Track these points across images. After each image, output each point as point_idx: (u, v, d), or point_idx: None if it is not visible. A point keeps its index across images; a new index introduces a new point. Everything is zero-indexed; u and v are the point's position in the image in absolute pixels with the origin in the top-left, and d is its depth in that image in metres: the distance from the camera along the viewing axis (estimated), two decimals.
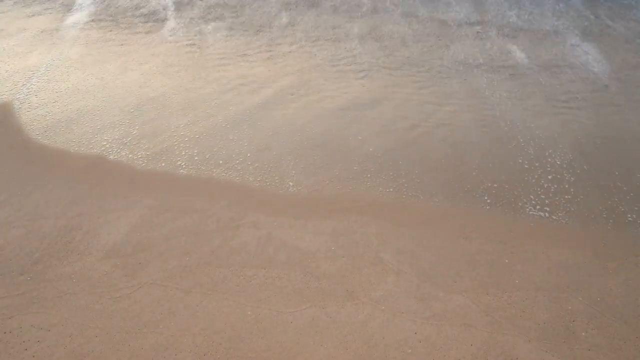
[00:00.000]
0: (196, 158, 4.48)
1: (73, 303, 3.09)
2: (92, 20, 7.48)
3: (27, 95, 5.54)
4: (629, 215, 3.72)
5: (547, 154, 4.40)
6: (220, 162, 4.42)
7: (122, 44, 6.75)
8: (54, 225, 3.71)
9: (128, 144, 4.69)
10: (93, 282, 3.24)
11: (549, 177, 4.13)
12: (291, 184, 4.12)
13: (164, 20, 7.51)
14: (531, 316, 2.95)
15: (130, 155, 4.53)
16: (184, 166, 4.38)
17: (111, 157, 4.51)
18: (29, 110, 5.25)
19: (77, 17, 7.52)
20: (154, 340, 2.85)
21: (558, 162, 4.30)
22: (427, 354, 2.74)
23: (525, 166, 4.26)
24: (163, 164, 4.40)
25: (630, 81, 5.53)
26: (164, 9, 7.73)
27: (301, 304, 3.05)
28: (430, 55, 6.21)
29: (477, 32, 6.77)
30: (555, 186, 4.02)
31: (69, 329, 2.92)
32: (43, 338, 2.88)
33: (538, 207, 3.82)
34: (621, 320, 2.91)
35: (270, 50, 6.50)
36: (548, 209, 3.80)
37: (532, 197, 3.92)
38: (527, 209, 3.80)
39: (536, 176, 4.14)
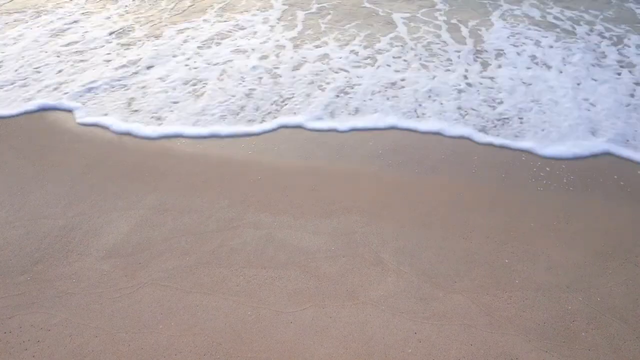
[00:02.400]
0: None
1: (73, 303, 3.09)
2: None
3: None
4: (629, 215, 3.72)
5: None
6: (221, 162, 4.42)
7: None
8: (54, 225, 3.71)
9: (129, 143, 4.69)
10: (93, 282, 3.24)
11: (549, 176, 4.13)
12: (291, 183, 4.11)
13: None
14: (531, 316, 2.95)
15: (131, 155, 4.53)
16: (184, 166, 4.37)
17: (111, 157, 4.51)
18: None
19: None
20: (154, 340, 2.85)
21: (558, 161, 4.30)
22: (427, 354, 2.74)
23: (525, 165, 4.26)
24: (163, 164, 4.40)
25: None
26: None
27: (301, 304, 3.05)
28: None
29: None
30: (555, 185, 4.02)
31: (69, 329, 2.92)
32: (43, 338, 2.88)
33: (538, 206, 3.81)
34: (621, 320, 2.91)
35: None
36: (548, 208, 3.79)
37: (532, 196, 3.92)
38: (527, 208, 3.79)
39: (536, 175, 4.14)
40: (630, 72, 5.61)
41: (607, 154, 4.37)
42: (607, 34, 6.52)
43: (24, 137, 4.80)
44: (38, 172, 4.30)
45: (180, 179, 4.20)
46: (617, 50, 6.11)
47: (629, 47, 6.19)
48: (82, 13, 7.57)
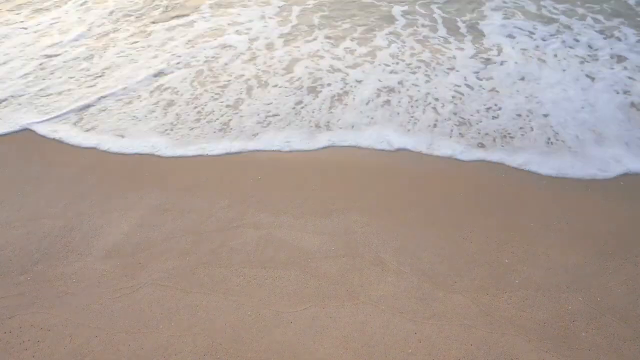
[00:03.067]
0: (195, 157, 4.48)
1: (73, 303, 3.09)
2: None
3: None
4: (629, 215, 3.72)
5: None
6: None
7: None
8: (54, 225, 3.71)
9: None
10: (93, 282, 3.24)
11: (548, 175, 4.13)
12: (291, 183, 4.11)
13: None
14: (531, 316, 2.95)
15: (130, 156, 4.53)
16: (184, 166, 4.38)
17: (111, 157, 4.51)
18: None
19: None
20: (154, 340, 2.85)
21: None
22: (427, 354, 2.75)
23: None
24: (163, 164, 4.40)
25: None
26: None
27: (301, 304, 3.05)
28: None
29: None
30: (555, 185, 4.02)
31: (69, 329, 2.93)
32: (43, 338, 2.88)
33: (538, 206, 3.81)
34: (621, 320, 2.91)
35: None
36: (548, 208, 3.79)
37: (532, 196, 3.91)
38: (527, 208, 3.79)
39: (536, 174, 4.14)
40: (625, 67, 5.60)
41: (626, 174, 4.12)
42: (601, 27, 6.52)
43: (24, 138, 4.81)
44: (38, 172, 4.30)
45: (180, 179, 4.20)
46: (610, 44, 6.11)
47: (619, 39, 6.20)
48: (77, 11, 7.57)
